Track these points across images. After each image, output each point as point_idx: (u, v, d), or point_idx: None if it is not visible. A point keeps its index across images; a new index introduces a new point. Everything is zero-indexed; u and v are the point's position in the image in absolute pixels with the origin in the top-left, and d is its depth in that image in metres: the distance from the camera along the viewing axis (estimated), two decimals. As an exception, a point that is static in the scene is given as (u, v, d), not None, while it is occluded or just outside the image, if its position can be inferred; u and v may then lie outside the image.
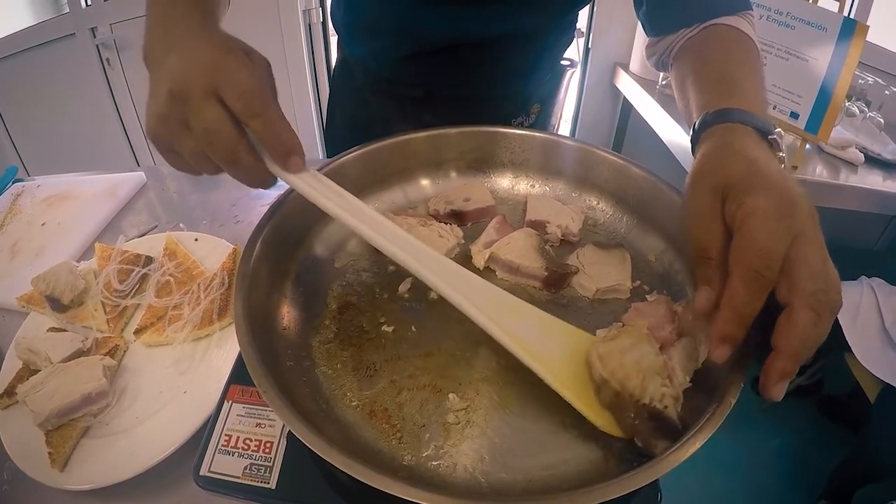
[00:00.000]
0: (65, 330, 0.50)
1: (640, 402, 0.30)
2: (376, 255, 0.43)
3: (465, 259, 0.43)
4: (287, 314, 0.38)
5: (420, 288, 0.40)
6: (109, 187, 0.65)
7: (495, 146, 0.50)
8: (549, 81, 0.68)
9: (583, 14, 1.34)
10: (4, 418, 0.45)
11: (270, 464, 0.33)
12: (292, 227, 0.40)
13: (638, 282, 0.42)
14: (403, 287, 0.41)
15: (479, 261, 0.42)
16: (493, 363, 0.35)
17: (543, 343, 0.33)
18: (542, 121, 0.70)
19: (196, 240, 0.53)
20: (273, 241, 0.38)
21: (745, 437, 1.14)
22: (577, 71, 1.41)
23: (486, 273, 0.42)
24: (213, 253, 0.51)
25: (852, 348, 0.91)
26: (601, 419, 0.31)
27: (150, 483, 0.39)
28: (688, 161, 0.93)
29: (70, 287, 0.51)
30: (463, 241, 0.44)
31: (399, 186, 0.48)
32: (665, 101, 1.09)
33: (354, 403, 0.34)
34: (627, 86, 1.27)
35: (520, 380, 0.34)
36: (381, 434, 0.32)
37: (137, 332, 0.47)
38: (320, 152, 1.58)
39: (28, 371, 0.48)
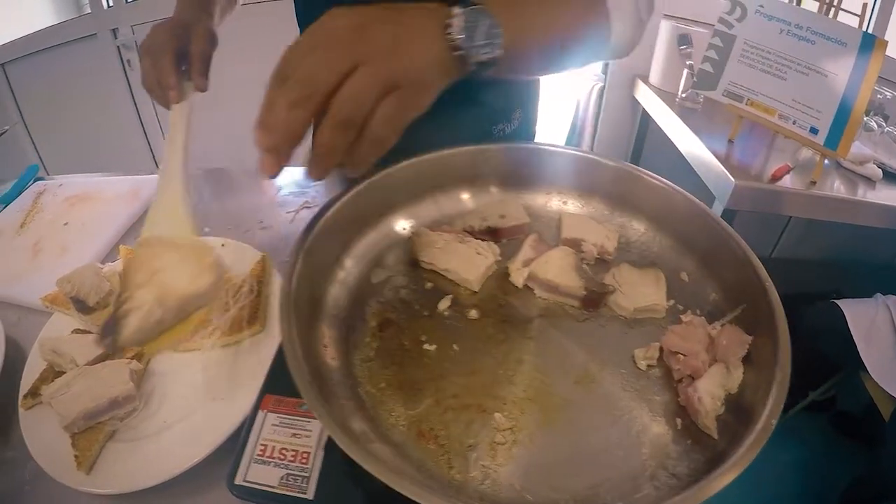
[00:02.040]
0: (90, 332, 0.49)
1: (120, 293, 0.33)
2: (413, 271, 0.43)
3: (502, 276, 0.43)
4: (327, 332, 0.37)
5: (460, 305, 0.40)
6: (132, 189, 0.65)
7: (530, 163, 0.50)
8: (528, 84, 0.67)
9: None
10: (28, 419, 0.45)
11: (307, 474, 0.33)
12: (330, 242, 0.40)
13: (672, 301, 0.41)
14: (443, 304, 0.40)
15: (518, 279, 0.42)
16: (537, 382, 0.35)
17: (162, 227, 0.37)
18: (525, 126, 0.68)
19: (223, 245, 0.53)
20: (313, 257, 0.38)
21: (758, 452, 1.13)
22: (600, 84, 1.41)
23: (525, 291, 0.42)
24: (241, 259, 0.51)
25: (866, 365, 0.90)
26: None
27: (176, 488, 0.39)
28: (708, 175, 0.94)
29: (96, 289, 0.50)
30: (500, 258, 0.44)
31: (432, 200, 0.47)
32: (685, 113, 1.08)
33: (402, 423, 0.33)
34: (647, 98, 1.26)
35: (563, 400, 0.34)
36: (429, 454, 0.32)
37: (165, 336, 0.47)
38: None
39: (52, 372, 0.47)
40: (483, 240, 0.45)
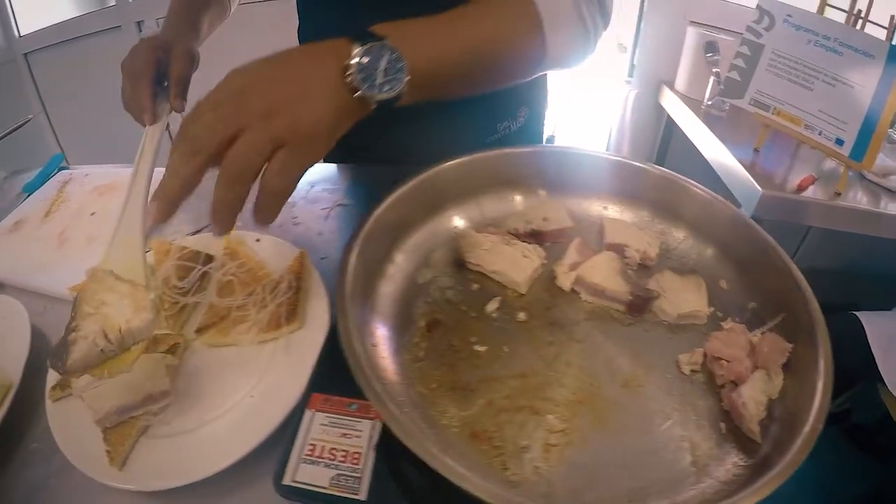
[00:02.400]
0: (120, 324, 0.49)
1: (70, 323, 0.34)
2: (458, 272, 0.43)
3: (549, 279, 0.43)
4: (376, 331, 0.37)
5: (508, 307, 0.41)
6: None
7: (574, 168, 0.50)
8: (533, 82, 0.65)
9: (629, 30, 1.35)
10: (55, 411, 0.44)
11: (359, 475, 0.32)
12: (382, 236, 0.40)
13: (712, 308, 0.42)
14: (491, 306, 0.41)
15: (566, 282, 0.42)
16: (586, 385, 0.35)
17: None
18: (531, 124, 0.68)
19: (258, 240, 0.52)
20: (366, 251, 0.37)
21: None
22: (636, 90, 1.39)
23: (571, 295, 0.42)
24: (277, 255, 0.50)
25: (884, 378, 0.89)
26: None
27: (212, 487, 0.38)
28: (734, 183, 0.93)
29: (127, 281, 0.49)
30: (545, 261, 0.44)
31: (475, 202, 0.48)
32: (711, 120, 1.08)
33: (455, 424, 0.33)
34: (672, 104, 1.25)
35: (612, 402, 0.34)
36: (483, 455, 0.31)
37: (199, 331, 0.46)
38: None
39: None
40: (528, 242, 0.45)
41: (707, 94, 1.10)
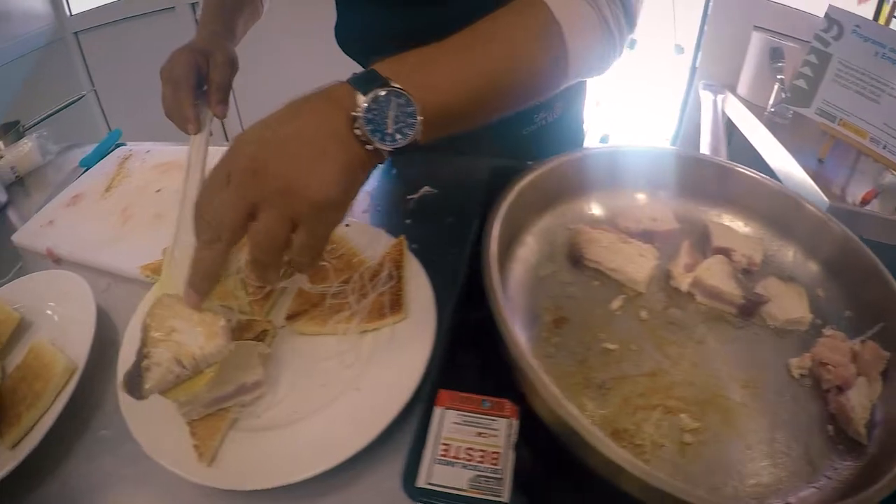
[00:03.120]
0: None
1: (141, 348, 0.35)
2: (575, 267, 0.43)
3: (663, 279, 0.43)
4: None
5: (631, 305, 0.41)
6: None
7: (679, 170, 0.49)
8: None
9: (691, 32, 1.34)
10: (128, 398, 0.40)
11: (500, 475, 0.30)
12: (507, 231, 0.38)
13: (811, 315, 0.43)
14: (616, 304, 0.41)
15: (683, 283, 0.42)
16: (711, 384, 0.36)
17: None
18: (568, 116, 0.65)
19: (347, 225, 0.50)
20: (502, 230, 0.36)
21: None
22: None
23: (685, 296, 0.42)
24: (370, 242, 0.48)
25: None
26: None
27: (317, 488, 0.35)
28: (800, 192, 0.93)
29: (208, 261, 0.46)
30: (658, 261, 0.43)
31: (583, 199, 0.48)
32: (775, 127, 1.06)
33: (595, 422, 0.33)
34: (734, 109, 1.23)
35: (734, 402, 0.35)
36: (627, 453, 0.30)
37: (290, 318, 0.43)
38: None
39: (157, 349, 0.43)
40: (640, 242, 0.44)
41: (771, 101, 1.08)
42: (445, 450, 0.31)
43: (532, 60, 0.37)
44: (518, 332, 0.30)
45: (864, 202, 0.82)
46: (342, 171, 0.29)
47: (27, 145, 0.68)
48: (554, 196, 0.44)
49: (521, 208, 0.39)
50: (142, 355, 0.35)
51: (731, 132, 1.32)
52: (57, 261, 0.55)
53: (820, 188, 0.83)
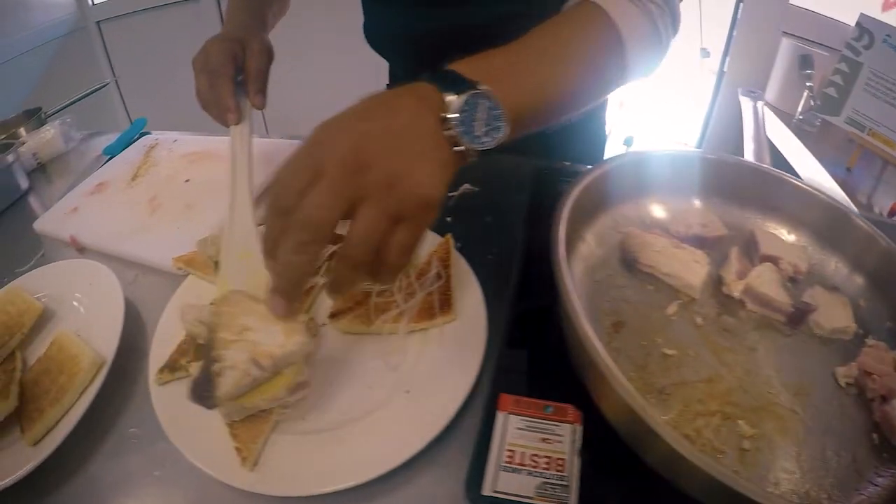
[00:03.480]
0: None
1: (209, 351, 0.32)
2: (629, 271, 0.42)
3: (714, 285, 0.43)
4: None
5: (686, 311, 0.40)
6: (264, 153, 0.59)
7: (729, 176, 0.48)
8: None
9: (719, 37, 1.32)
10: (163, 396, 0.39)
11: (566, 482, 0.29)
12: (579, 214, 0.38)
13: (854, 325, 0.42)
14: (671, 309, 0.40)
15: (735, 290, 0.42)
16: (764, 392, 0.36)
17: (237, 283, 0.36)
18: (593, 117, 0.66)
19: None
20: (567, 226, 0.35)
21: None
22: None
23: (736, 302, 0.42)
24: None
25: None
26: None
27: (366, 494, 0.33)
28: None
29: (245, 255, 0.45)
30: (709, 267, 0.42)
31: (633, 202, 0.47)
32: (804, 135, 1.04)
33: None
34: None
35: (787, 410, 0.35)
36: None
37: (333, 316, 0.41)
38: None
39: (192, 344, 0.42)
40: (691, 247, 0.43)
41: (800, 108, 1.07)
42: (510, 456, 0.30)
43: (603, 65, 0.37)
44: (594, 336, 0.29)
45: (893, 213, 0.82)
46: (443, 170, 0.28)
47: (50, 132, 0.66)
48: (605, 199, 0.44)
49: (577, 211, 0.38)
50: (210, 359, 0.32)
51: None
52: (80, 249, 0.53)
53: (851, 198, 0.83)
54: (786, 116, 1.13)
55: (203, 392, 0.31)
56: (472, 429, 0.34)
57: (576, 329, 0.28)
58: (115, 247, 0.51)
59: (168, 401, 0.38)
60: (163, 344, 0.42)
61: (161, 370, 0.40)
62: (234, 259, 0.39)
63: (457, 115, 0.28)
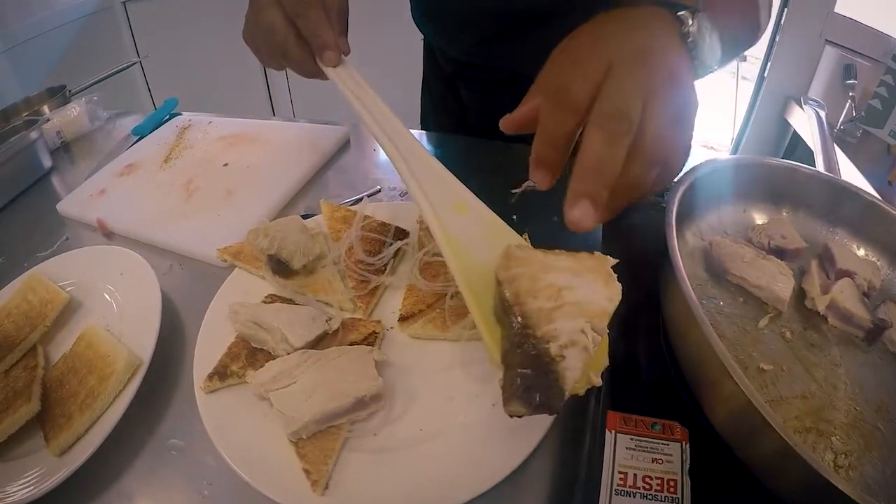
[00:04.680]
0: (293, 302, 0.40)
1: (528, 334, 0.24)
2: (717, 281, 0.41)
3: (796, 299, 0.42)
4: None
5: (776, 324, 0.40)
6: (310, 137, 0.55)
7: (806, 188, 0.47)
8: None
9: (761, 41, 1.33)
10: (212, 405, 0.35)
11: None
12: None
13: None
14: (762, 322, 0.39)
15: (820, 305, 0.41)
16: (852, 408, 0.36)
17: (477, 245, 0.31)
18: None
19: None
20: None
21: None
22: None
23: (818, 317, 0.41)
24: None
25: None
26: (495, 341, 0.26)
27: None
28: None
29: (302, 249, 0.41)
30: (793, 281, 0.41)
31: (714, 210, 0.45)
32: (844, 145, 1.01)
33: None
34: (801, 122, 1.19)
35: (872, 426, 0.35)
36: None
37: (402, 320, 0.38)
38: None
39: (245, 348, 0.38)
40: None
41: (841, 118, 1.04)
42: (623, 479, 0.28)
43: (748, 25, 0.42)
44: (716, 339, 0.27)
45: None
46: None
47: (75, 110, 0.61)
48: (690, 207, 0.42)
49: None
50: (533, 343, 0.24)
51: (795, 144, 1.30)
52: (108, 234, 0.48)
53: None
54: (828, 126, 1.09)
55: (541, 396, 0.23)
56: (549, 446, 0.32)
57: (701, 333, 0.28)
58: (148, 233, 0.47)
59: (219, 411, 0.35)
60: (208, 345, 0.38)
61: (210, 377, 0.36)
62: (450, 215, 0.33)
63: (695, 31, 0.30)
